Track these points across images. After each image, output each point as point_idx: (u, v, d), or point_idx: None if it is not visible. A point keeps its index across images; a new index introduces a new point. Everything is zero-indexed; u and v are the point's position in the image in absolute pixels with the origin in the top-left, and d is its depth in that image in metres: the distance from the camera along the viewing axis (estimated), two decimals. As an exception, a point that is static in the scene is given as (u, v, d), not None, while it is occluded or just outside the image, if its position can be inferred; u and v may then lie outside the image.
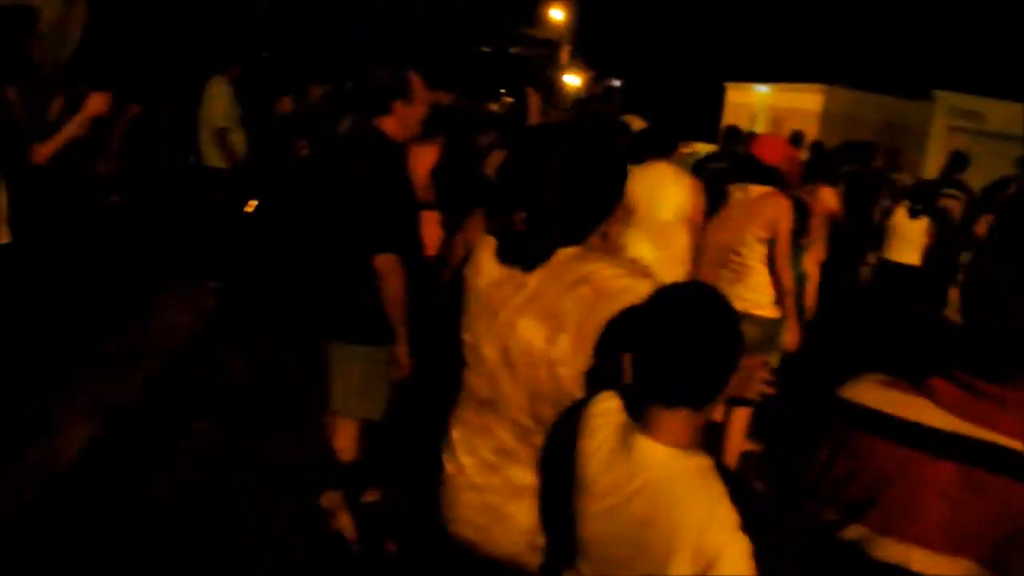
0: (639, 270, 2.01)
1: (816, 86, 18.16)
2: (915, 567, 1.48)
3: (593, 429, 1.74)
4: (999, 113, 14.79)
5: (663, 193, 4.93)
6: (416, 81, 3.52)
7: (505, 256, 2.07)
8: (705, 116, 26.39)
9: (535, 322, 1.95)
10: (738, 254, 4.81)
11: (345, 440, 3.67)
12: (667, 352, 1.61)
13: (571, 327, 1.90)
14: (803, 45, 25.74)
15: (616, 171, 2.05)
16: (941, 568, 1.47)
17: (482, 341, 2.07)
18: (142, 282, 6.43)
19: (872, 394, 1.58)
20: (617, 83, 31.58)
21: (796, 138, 10.71)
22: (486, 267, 2.11)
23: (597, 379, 1.87)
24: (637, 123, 6.68)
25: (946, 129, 15.19)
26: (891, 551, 1.51)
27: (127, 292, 6.16)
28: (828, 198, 7.30)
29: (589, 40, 37.88)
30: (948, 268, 7.11)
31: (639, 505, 1.62)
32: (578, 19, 37.39)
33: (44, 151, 4.13)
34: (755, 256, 4.76)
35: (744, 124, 21.63)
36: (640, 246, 4.71)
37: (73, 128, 4.23)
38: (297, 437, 4.33)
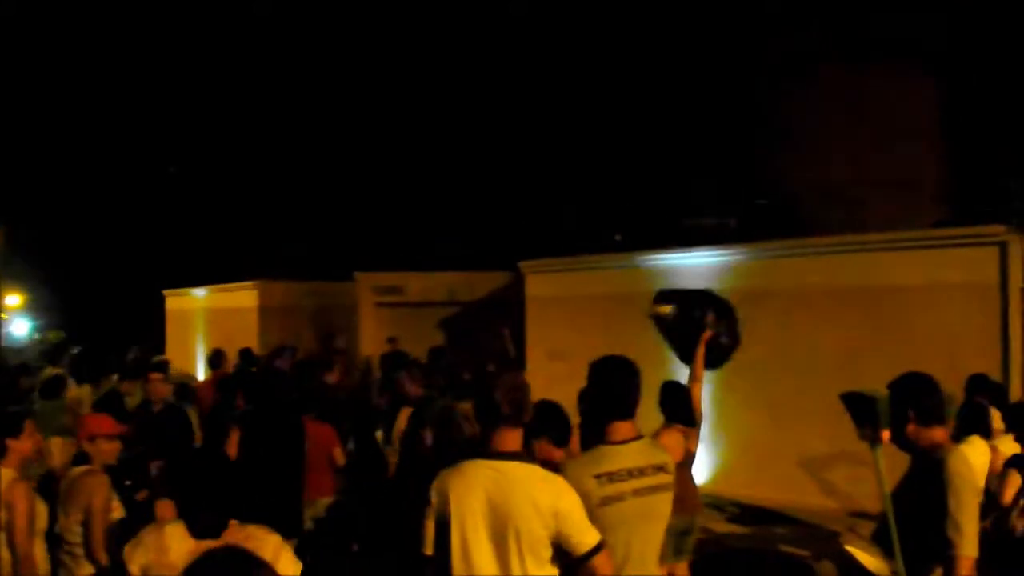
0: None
1: (249, 283, 18.12)
2: None
3: None
4: (416, 284, 15.81)
5: None
6: None
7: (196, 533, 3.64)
8: (147, 324, 25.31)
9: None
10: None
11: None
12: None
13: None
14: (235, 248, 26.09)
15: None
16: None
17: None
18: None
19: None
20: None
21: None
22: (177, 544, 3.61)
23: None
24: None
25: (372, 305, 15.84)
26: None
27: None
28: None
29: (21, 256, 35.18)
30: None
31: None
32: (5, 237, 34.53)
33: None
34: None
35: (185, 328, 20.94)
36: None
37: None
38: None
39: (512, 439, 3.76)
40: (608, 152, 17.96)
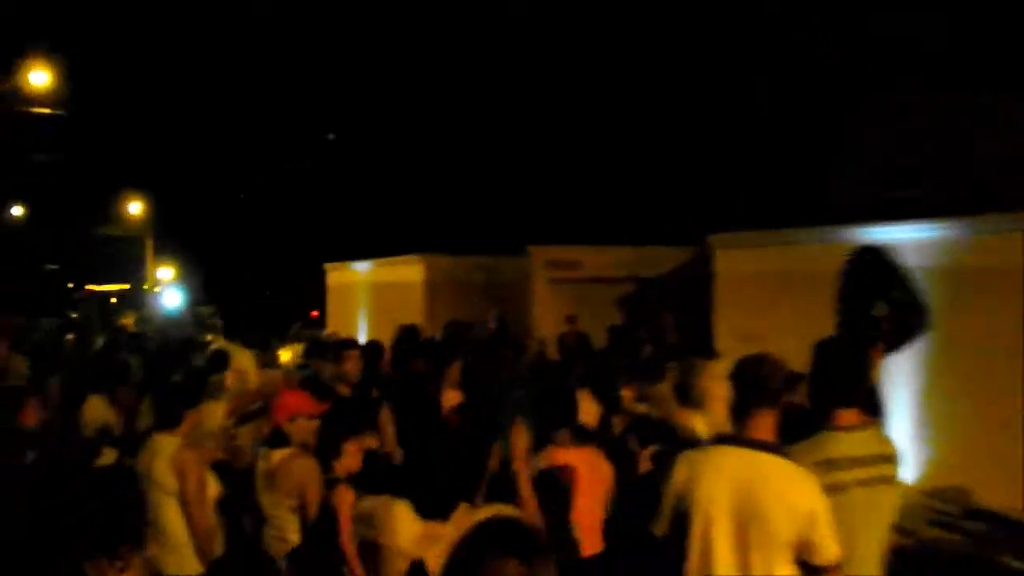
0: None
1: (415, 257, 17.72)
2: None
3: None
4: (593, 259, 15.11)
5: None
6: None
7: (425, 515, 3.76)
8: (309, 298, 25.55)
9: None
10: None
11: None
12: None
13: None
14: (399, 220, 25.95)
15: None
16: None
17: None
18: None
19: None
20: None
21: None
22: (405, 526, 3.75)
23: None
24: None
25: (546, 280, 15.21)
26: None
27: None
28: None
29: (173, 229, 36.44)
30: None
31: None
32: (157, 210, 35.82)
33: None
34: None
35: (347, 303, 20.87)
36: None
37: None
38: None
39: (768, 424, 3.60)
40: (806, 116, 16.77)
